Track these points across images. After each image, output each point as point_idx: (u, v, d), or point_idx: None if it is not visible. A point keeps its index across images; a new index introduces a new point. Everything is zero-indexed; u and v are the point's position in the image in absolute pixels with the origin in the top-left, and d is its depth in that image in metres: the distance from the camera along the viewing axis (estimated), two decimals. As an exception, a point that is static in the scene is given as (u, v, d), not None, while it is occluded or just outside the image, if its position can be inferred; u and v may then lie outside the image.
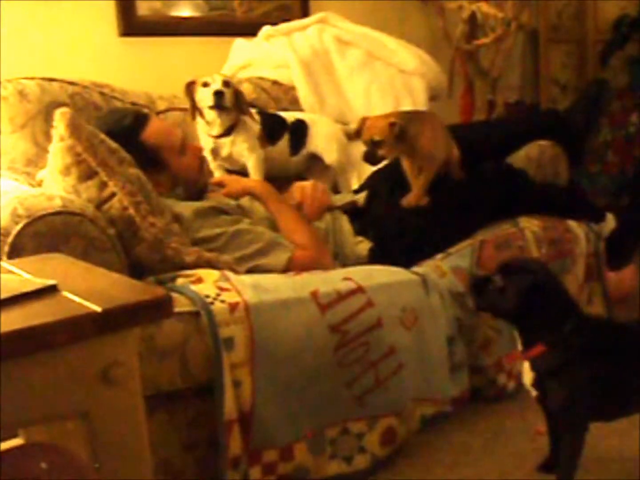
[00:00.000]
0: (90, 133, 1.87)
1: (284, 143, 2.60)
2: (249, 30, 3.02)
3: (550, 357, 1.62)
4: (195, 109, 2.45)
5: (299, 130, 2.64)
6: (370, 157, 2.29)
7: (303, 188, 2.34)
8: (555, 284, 1.67)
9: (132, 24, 2.83)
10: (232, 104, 2.42)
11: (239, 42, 3.00)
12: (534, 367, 1.65)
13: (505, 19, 3.41)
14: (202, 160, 2.32)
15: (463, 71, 3.58)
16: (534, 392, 1.67)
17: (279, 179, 2.50)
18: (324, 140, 2.67)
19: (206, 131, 2.49)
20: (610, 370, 1.63)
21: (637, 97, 3.87)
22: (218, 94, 2.37)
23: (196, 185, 2.23)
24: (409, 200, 2.33)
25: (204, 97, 2.41)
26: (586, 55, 4.13)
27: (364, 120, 2.31)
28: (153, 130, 2.15)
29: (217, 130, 2.47)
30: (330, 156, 2.67)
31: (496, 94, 3.69)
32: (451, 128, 2.51)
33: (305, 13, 3.21)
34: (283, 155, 2.60)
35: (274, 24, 3.03)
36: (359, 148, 2.43)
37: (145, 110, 2.36)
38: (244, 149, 2.48)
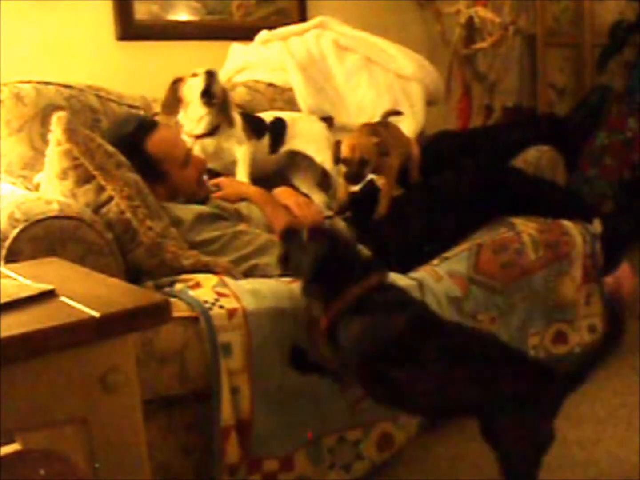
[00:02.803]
0: (86, 137, 1.86)
1: (265, 141, 2.58)
2: (247, 34, 3.02)
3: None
4: (176, 105, 2.41)
5: (278, 129, 2.61)
6: (354, 177, 2.31)
7: (299, 205, 2.32)
8: (348, 251, 1.64)
9: (129, 28, 2.83)
10: (219, 98, 2.37)
11: (236, 47, 2.99)
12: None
13: (502, 24, 3.42)
14: (202, 173, 2.24)
15: (460, 75, 3.59)
16: None
17: (259, 178, 2.49)
18: (310, 140, 2.63)
19: (188, 130, 2.42)
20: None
21: (635, 102, 3.88)
22: (210, 75, 2.32)
23: (194, 198, 2.17)
24: (379, 212, 2.37)
25: (194, 86, 2.36)
26: (584, 59, 4.14)
27: (345, 141, 2.31)
28: (158, 141, 2.10)
29: (201, 128, 2.41)
30: (321, 157, 2.65)
31: (494, 98, 3.69)
32: (450, 135, 2.51)
33: (303, 17, 3.21)
34: (263, 153, 2.58)
35: (271, 28, 3.03)
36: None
37: (155, 119, 2.32)
38: (233, 143, 2.45)
